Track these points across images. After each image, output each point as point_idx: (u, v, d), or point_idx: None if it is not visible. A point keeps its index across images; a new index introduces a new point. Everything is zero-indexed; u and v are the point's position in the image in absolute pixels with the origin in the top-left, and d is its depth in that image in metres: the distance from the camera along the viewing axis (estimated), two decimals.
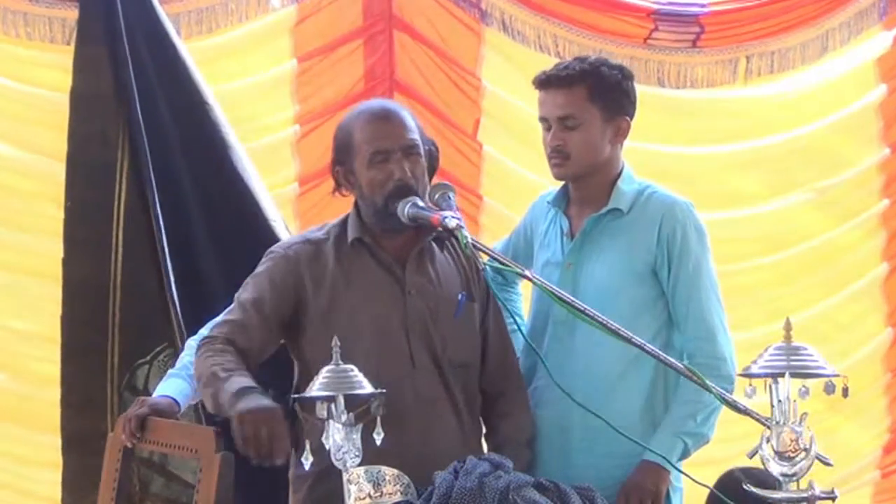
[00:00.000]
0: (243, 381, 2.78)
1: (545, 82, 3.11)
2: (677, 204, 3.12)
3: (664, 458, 2.93)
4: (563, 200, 3.18)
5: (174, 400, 3.08)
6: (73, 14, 4.05)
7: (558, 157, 3.09)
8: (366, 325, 2.94)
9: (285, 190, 4.50)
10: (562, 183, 3.19)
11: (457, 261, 3.08)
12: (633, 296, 2.99)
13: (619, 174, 3.14)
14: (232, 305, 3.02)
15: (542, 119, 3.13)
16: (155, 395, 3.17)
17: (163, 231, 3.73)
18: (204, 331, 3.24)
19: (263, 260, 3.07)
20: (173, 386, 3.11)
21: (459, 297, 3.03)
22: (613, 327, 2.59)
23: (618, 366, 3.03)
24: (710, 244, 3.14)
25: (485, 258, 2.81)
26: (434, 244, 3.06)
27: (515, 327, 3.10)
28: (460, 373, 3.02)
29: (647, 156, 4.77)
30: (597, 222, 3.12)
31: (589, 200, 3.13)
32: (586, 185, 3.13)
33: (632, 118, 3.15)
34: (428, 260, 3.04)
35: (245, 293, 2.99)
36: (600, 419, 2.73)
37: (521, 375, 3.12)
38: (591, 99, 3.07)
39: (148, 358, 3.60)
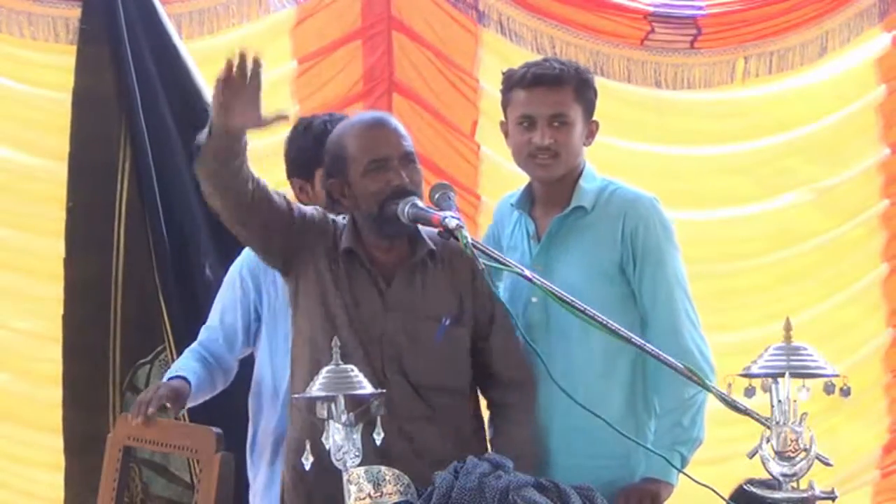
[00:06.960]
0: None
1: (534, 81, 3.06)
2: (640, 199, 3.10)
3: (669, 462, 2.90)
4: (526, 202, 3.17)
5: (185, 378, 3.04)
6: (76, 13, 4.05)
7: (547, 155, 3.06)
8: (341, 334, 2.83)
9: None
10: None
11: (450, 277, 3.00)
12: (603, 295, 2.94)
13: (581, 172, 3.13)
14: None
15: (527, 117, 3.07)
16: (166, 377, 3.13)
17: (163, 231, 3.73)
18: (202, 335, 3.24)
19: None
20: (185, 365, 3.09)
21: (444, 320, 2.96)
22: (614, 327, 2.58)
23: (596, 367, 3.02)
24: (677, 240, 3.12)
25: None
26: (428, 259, 2.99)
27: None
28: (439, 395, 2.95)
29: (644, 157, 4.78)
30: (562, 223, 3.10)
31: (554, 201, 3.11)
32: (556, 184, 3.11)
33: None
34: (419, 277, 2.97)
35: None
36: (597, 421, 2.71)
37: (534, 384, 3.03)
38: (577, 99, 3.07)
39: (149, 357, 3.60)
